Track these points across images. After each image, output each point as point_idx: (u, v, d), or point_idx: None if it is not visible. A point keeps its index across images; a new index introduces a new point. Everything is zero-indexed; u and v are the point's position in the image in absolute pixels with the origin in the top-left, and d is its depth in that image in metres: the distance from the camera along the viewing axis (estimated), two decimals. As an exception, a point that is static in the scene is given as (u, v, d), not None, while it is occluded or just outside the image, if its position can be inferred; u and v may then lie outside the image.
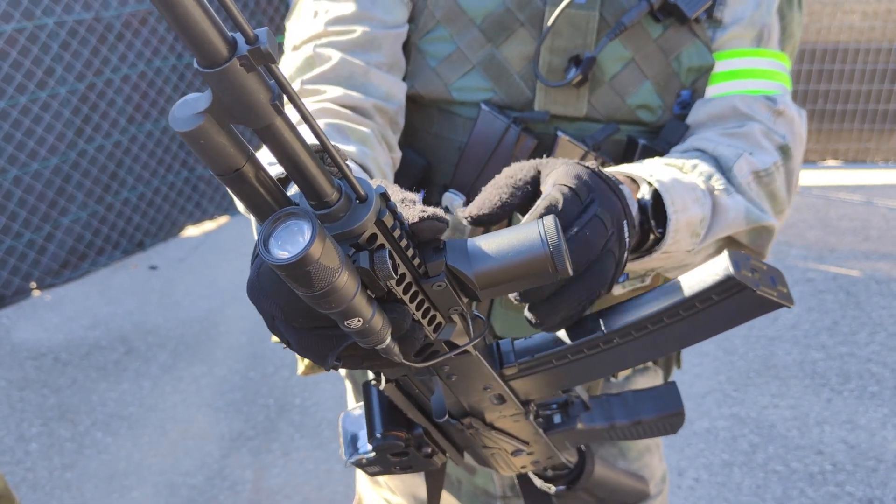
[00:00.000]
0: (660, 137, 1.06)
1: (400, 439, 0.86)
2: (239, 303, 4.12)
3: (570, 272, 0.61)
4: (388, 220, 0.54)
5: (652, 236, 0.86)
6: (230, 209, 5.01)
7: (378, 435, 0.86)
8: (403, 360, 0.60)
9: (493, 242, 0.62)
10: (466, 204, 1.03)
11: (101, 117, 4.23)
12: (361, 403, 0.90)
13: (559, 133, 1.03)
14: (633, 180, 0.87)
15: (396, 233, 0.56)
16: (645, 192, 0.86)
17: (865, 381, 3.35)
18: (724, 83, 1.08)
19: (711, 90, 1.09)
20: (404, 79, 1.08)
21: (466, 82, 1.05)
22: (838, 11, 4.96)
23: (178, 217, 4.82)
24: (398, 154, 1.06)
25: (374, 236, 0.53)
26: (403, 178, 1.08)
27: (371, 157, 0.93)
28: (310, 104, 0.98)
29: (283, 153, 0.49)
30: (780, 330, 3.72)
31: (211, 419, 3.29)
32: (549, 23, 1.01)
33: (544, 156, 0.89)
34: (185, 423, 3.26)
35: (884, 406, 3.19)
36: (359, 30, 1.03)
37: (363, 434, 0.91)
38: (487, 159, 1.02)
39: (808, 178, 5.24)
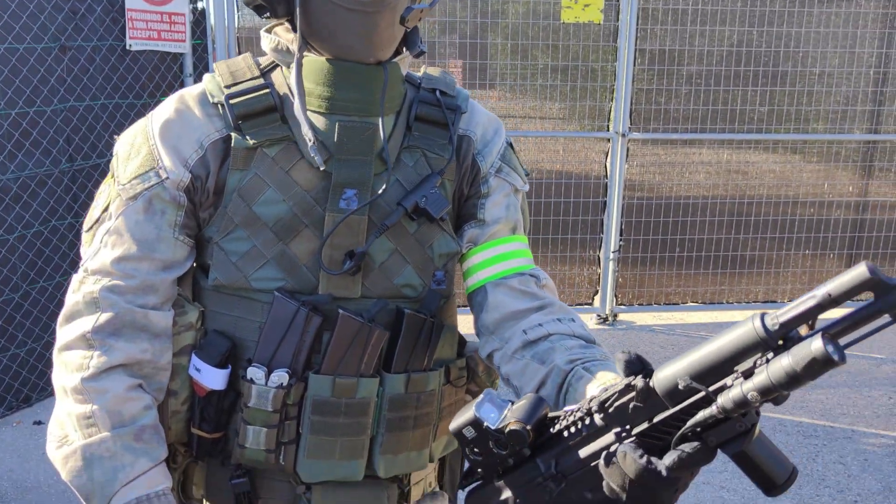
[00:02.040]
0: (421, 306, 1.36)
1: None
2: (124, 457, 4.11)
3: None
4: None
5: None
6: (122, 362, 5.04)
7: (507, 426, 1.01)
8: None
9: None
10: (267, 375, 1.28)
11: (-7, 276, 4.32)
12: (522, 402, 1.05)
13: (340, 311, 1.28)
14: None
15: None
16: None
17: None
18: (497, 264, 1.41)
19: (489, 271, 1.40)
20: (207, 273, 1.32)
21: (263, 273, 1.29)
22: (686, 171, 5.62)
23: (67, 371, 4.81)
24: (165, 379, 1.31)
25: None
26: (211, 355, 1.29)
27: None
28: (96, 359, 1.23)
29: None
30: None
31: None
32: (329, 229, 1.27)
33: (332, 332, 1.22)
34: (59, 584, 3.21)
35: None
36: (138, 277, 1.26)
37: (493, 417, 1.02)
38: (283, 336, 1.26)
39: (672, 317, 5.72)
